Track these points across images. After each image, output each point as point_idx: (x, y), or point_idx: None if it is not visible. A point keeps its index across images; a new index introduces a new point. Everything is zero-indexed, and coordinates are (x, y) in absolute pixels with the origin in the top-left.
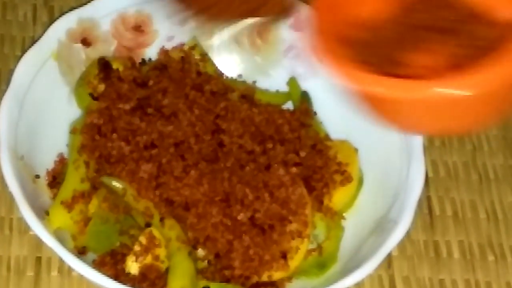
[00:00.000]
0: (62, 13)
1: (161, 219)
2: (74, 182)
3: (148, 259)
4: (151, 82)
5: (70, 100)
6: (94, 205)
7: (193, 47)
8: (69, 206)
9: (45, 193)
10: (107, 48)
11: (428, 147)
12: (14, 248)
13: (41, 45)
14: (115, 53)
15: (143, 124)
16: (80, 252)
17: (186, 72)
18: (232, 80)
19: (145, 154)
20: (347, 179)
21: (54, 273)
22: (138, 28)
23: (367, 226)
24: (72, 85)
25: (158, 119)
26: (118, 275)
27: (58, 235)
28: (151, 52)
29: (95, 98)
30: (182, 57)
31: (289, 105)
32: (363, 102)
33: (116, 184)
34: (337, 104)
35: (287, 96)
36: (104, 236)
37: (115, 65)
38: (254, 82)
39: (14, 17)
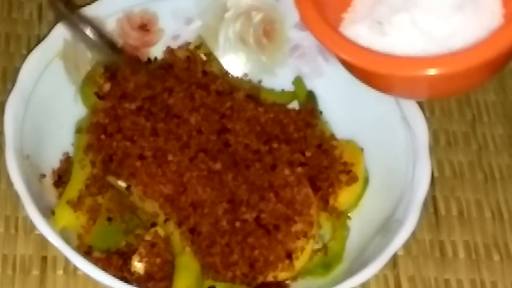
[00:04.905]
0: None
1: (166, 220)
2: (79, 181)
3: (154, 258)
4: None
5: (76, 99)
6: (99, 205)
7: (198, 46)
8: (75, 205)
9: (51, 193)
10: None
11: (434, 147)
12: (19, 247)
13: (47, 44)
14: None
15: (149, 124)
16: (86, 252)
17: (191, 71)
18: (238, 79)
19: (150, 154)
20: (352, 179)
21: (60, 272)
22: (144, 27)
23: (372, 226)
24: (78, 84)
25: (164, 118)
26: (124, 274)
27: (64, 235)
28: (156, 51)
29: (100, 97)
30: (188, 56)
31: (294, 105)
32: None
33: (122, 184)
34: (342, 104)
35: (292, 95)
36: (109, 235)
37: None
38: (260, 81)
39: (20, 15)
